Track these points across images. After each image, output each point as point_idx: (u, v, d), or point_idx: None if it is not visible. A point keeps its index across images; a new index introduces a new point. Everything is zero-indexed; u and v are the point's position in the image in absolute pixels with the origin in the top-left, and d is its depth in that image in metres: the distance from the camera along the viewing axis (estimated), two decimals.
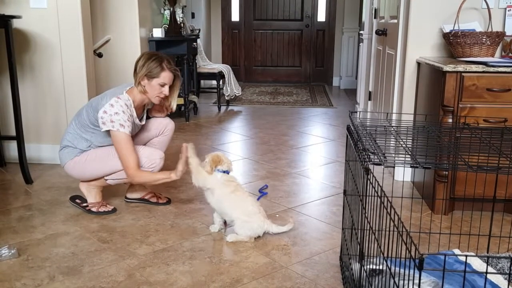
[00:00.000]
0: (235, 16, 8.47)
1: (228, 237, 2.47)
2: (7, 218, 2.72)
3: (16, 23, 3.47)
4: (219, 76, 6.03)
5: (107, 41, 4.54)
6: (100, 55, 4.39)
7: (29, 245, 2.40)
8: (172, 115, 3.05)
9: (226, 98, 6.24)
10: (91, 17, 3.90)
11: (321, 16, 8.33)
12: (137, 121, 2.74)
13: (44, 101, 3.62)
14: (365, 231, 1.63)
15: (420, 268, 1.01)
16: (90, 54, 3.65)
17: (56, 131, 3.65)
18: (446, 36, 3.05)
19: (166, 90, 2.70)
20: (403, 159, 1.70)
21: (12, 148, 3.69)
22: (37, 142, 3.69)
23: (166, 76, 2.67)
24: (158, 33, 4.95)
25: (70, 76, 3.55)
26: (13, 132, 3.59)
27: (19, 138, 3.30)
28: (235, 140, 4.57)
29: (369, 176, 1.53)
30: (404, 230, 1.16)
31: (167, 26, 5.24)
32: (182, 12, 5.49)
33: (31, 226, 2.62)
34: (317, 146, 4.37)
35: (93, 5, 4.42)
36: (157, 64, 2.64)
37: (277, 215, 2.80)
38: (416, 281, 1.74)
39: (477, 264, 2.20)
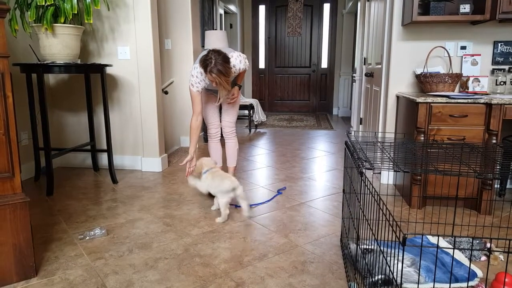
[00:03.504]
0: (261, 65, 8.51)
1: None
2: (99, 207, 2.76)
3: (108, 70, 3.56)
4: (250, 107, 6.06)
5: (171, 83, 4.62)
6: (166, 93, 4.46)
7: (115, 227, 2.42)
8: None
9: (255, 123, 6.25)
10: (161, 65, 3.98)
11: (324, 64, 8.30)
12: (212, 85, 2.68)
13: (127, 125, 3.69)
14: (360, 219, 1.59)
15: (403, 244, 0.97)
16: (159, 92, 3.71)
17: (135, 146, 3.71)
18: (418, 77, 3.00)
19: (213, 84, 2.59)
20: (388, 166, 1.66)
21: (103, 158, 3.76)
22: (121, 154, 3.75)
23: (209, 77, 2.55)
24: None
25: (145, 107, 3.61)
26: (104, 146, 3.67)
27: (109, 150, 3.35)
28: (262, 153, 4.56)
29: (363, 178, 1.50)
30: (391, 216, 1.12)
31: None
32: None
33: (116, 213, 2.65)
34: (322, 158, 4.33)
35: (162, 56, 4.52)
36: (204, 69, 2.53)
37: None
38: (399, 257, 1.68)
39: (445, 245, 2.12)
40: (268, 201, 2.88)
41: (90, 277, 1.85)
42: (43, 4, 2.78)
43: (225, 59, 2.52)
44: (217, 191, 2.53)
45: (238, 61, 2.68)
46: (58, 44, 2.91)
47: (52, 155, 3.00)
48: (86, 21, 2.95)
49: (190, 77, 2.71)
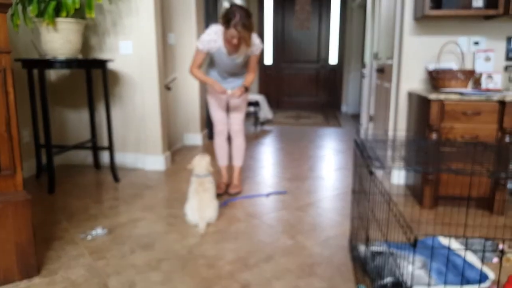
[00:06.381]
0: (268, 61, 8.51)
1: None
2: (101, 206, 2.78)
3: (109, 65, 3.58)
4: (256, 104, 6.06)
5: (174, 79, 4.63)
6: (169, 89, 4.47)
7: (116, 226, 2.44)
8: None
9: (261, 120, 6.25)
10: (164, 60, 3.99)
11: (333, 59, 8.28)
12: (223, 49, 2.64)
13: (129, 122, 3.71)
14: (369, 220, 1.59)
15: (414, 245, 0.98)
16: (162, 88, 3.73)
17: (137, 144, 3.73)
18: (430, 73, 2.99)
19: (234, 41, 2.51)
20: (398, 165, 1.66)
21: (105, 156, 3.79)
22: (123, 151, 3.77)
23: (231, 32, 2.46)
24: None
25: (147, 103, 3.63)
26: (106, 144, 3.69)
27: (111, 148, 3.38)
28: (268, 151, 4.56)
29: (372, 177, 1.50)
30: (401, 217, 1.13)
31: None
32: None
33: (118, 212, 2.68)
34: (330, 156, 4.32)
35: (165, 51, 4.53)
36: (227, 21, 2.46)
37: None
38: (410, 259, 1.69)
39: (456, 247, 2.12)
40: (249, 196, 2.97)
41: (92, 277, 1.88)
42: None
43: (248, 14, 2.48)
44: (188, 206, 2.48)
45: (255, 36, 2.68)
46: (60, 39, 2.93)
47: (54, 152, 3.03)
48: (87, 15, 2.97)
49: (202, 35, 2.67)
